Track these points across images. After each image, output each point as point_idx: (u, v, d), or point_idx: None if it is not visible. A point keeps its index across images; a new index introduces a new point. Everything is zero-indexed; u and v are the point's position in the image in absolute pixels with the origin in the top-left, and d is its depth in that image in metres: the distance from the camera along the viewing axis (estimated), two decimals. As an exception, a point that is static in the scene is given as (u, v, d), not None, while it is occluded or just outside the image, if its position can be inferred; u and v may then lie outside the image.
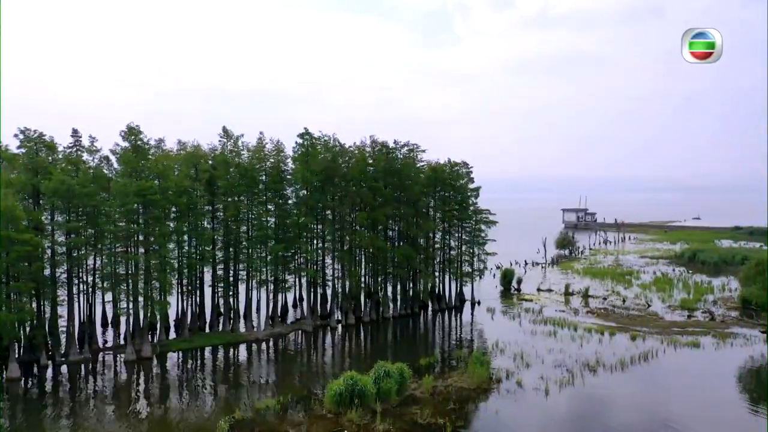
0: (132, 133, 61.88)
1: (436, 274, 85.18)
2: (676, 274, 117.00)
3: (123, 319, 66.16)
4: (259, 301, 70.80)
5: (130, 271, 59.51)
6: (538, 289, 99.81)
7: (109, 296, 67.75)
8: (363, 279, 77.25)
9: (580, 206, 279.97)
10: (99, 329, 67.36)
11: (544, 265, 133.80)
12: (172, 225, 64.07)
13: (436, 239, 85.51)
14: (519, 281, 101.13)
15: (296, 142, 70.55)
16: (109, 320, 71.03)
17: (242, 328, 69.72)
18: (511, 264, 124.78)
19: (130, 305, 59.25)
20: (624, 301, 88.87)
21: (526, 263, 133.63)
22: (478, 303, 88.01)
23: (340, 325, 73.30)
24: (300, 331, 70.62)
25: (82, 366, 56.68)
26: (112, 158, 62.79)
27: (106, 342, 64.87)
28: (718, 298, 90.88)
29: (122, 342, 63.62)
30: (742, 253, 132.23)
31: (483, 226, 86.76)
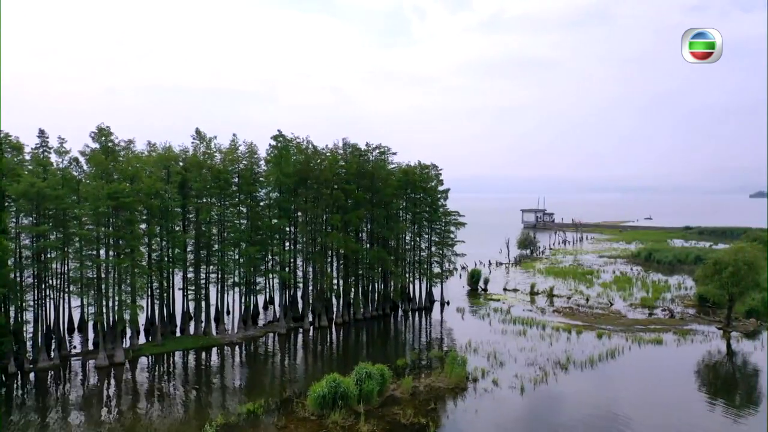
0: (102, 134, 60.68)
1: (408, 275, 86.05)
2: (634, 273, 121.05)
3: (91, 324, 64.99)
4: (230, 304, 70.41)
5: (102, 275, 58.36)
6: (505, 289, 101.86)
7: (77, 301, 66.55)
8: (335, 281, 77.50)
9: (538, 207, 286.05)
10: (66, 335, 65.69)
11: (507, 265, 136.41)
12: (143, 227, 63.09)
13: (406, 240, 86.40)
14: (486, 281, 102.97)
15: (270, 144, 70.40)
16: (76, 325, 69.48)
17: (214, 331, 69.12)
18: (476, 264, 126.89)
19: (102, 310, 57.98)
20: (587, 300, 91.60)
21: (490, 263, 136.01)
22: (448, 303, 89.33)
23: (312, 327, 73.35)
24: (273, 334, 70.41)
25: (52, 373, 55.31)
26: (82, 160, 61.48)
27: (74, 347, 63.38)
28: (676, 296, 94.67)
29: (91, 347, 62.36)
30: (694, 252, 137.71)
31: (453, 228, 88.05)
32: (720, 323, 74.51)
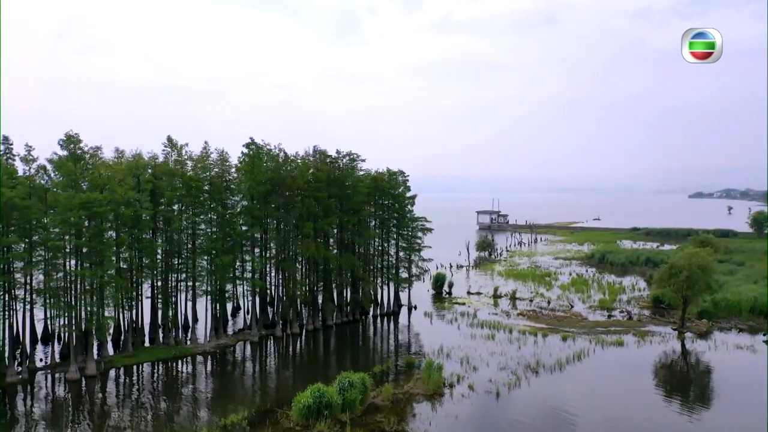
0: (71, 141, 59.44)
1: (376, 281, 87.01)
2: (589, 275, 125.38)
3: (62, 336, 63.42)
4: (201, 312, 69.77)
5: (72, 286, 57.15)
6: (468, 293, 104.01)
7: (42, 311, 64.77)
8: (307, 287, 77.77)
9: (493, 209, 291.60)
10: (29, 347, 63.85)
11: (467, 268, 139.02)
12: (114, 235, 62.00)
13: (375, 246, 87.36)
14: (450, 285, 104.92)
15: (242, 152, 70.20)
16: (39, 336, 67.64)
17: (186, 340, 68.48)
18: (437, 267, 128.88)
19: (74, 321, 56.77)
20: (549, 302, 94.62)
21: (451, 266, 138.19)
22: (415, 308, 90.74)
23: (285, 335, 73.47)
24: (246, 342, 70.22)
25: (20, 388, 53.82)
26: (49, 167, 59.96)
27: (41, 360, 61.69)
28: (631, 298, 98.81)
29: (58, 359, 60.83)
30: (645, 254, 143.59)
31: (420, 234, 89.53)
32: (674, 324, 78.35)
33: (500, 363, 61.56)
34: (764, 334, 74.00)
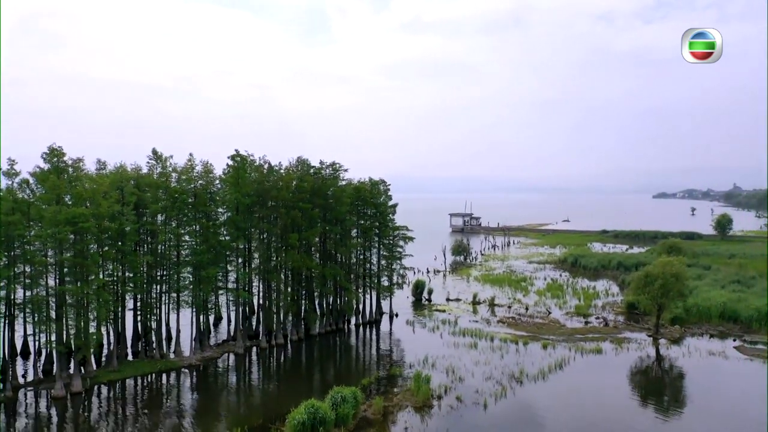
0: (54, 154, 58.81)
1: (359, 289, 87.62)
2: (564, 280, 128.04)
3: (42, 351, 62.44)
4: (182, 323, 69.46)
5: (59, 302, 56.43)
6: (448, 299, 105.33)
7: (25, 327, 63.85)
8: (292, 297, 77.98)
9: (465, 211, 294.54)
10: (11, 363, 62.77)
11: (444, 273, 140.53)
12: (98, 249, 61.35)
13: (357, 255, 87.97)
14: (430, 292, 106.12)
15: (227, 164, 70.17)
16: (19, 351, 66.54)
17: (171, 353, 68.14)
18: (414, 272, 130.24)
19: (62, 338, 56.09)
20: (527, 309, 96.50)
21: (428, 271, 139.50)
22: (396, 315, 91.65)
23: (269, 345, 73.60)
24: (231, 354, 70.18)
25: (3, 406, 52.96)
26: (32, 181, 59.12)
27: (23, 376, 60.73)
28: (606, 303, 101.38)
29: (42, 376, 59.98)
30: (616, 258, 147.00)
31: (401, 242, 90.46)
32: (649, 330, 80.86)
33: (485, 373, 62.82)
34: (734, 339, 76.94)
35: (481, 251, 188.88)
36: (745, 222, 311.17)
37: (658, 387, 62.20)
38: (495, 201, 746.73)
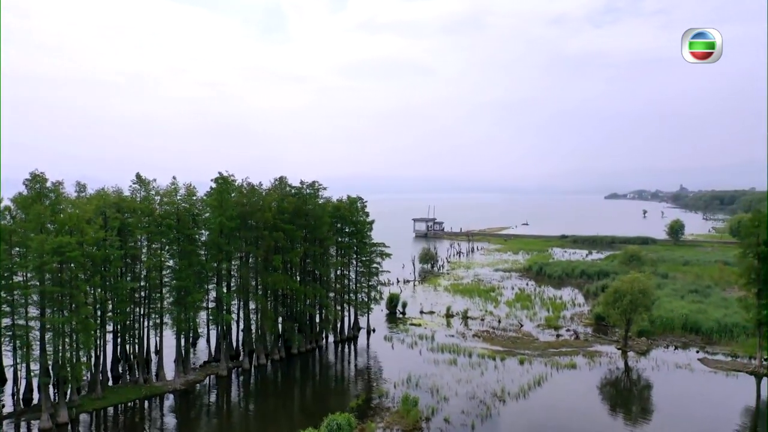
0: (37, 180, 58.04)
1: (338, 306, 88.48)
2: (531, 289, 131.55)
3: (19, 378, 61.30)
4: (158, 343, 69.06)
5: (43, 332, 55.58)
6: (421, 312, 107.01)
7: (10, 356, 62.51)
8: (274, 317, 78.31)
9: (428, 216, 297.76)
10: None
11: (414, 283, 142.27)
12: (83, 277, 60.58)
13: (336, 272, 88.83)
14: (404, 305, 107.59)
15: (211, 187, 70.16)
16: (-5, 379, 65.09)
17: (153, 377, 67.67)
18: (386, 282, 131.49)
19: (48, 370, 55.27)
20: (499, 321, 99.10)
21: (398, 281, 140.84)
22: (374, 331, 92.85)
23: (252, 366, 73.83)
24: (214, 376, 70.17)
25: (-12, 439, 52.13)
26: (13, 207, 58.08)
27: (3, 405, 59.45)
28: (574, 314, 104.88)
29: (23, 406, 58.93)
30: (579, 266, 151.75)
31: (378, 258, 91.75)
32: (618, 343, 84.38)
33: (468, 392, 64.69)
34: (697, 351, 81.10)
35: (447, 258, 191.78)
36: (693, 224, 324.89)
37: (628, 400, 65.40)
38: (454, 202, 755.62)
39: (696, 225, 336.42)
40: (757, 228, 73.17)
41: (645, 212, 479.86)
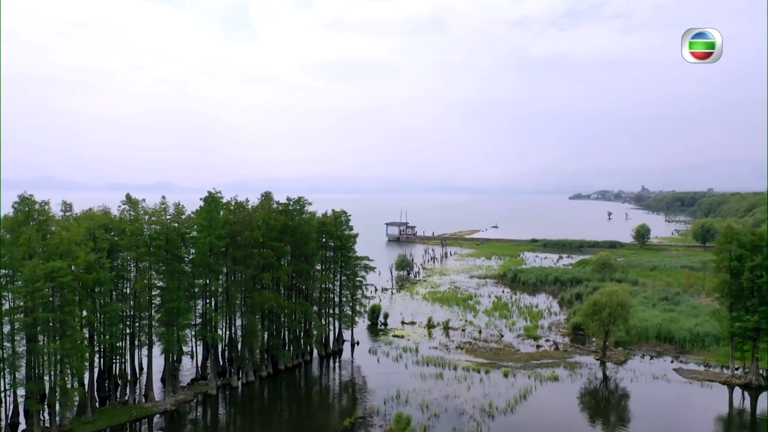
0: (26, 203, 57.35)
1: (323, 320, 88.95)
2: (507, 297, 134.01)
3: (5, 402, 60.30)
4: (142, 361, 68.69)
5: (33, 358, 54.96)
6: (403, 322, 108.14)
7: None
8: (264, 333, 78.48)
9: (401, 220, 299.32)
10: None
11: (392, 291, 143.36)
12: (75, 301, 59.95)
13: (321, 286, 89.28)
14: (386, 316, 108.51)
15: (200, 206, 70.05)
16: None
17: (142, 398, 67.25)
18: (369, 297, 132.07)
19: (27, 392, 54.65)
20: (480, 332, 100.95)
21: (376, 289, 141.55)
22: (357, 344, 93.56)
23: (241, 384, 73.93)
24: (203, 396, 70.06)
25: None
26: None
27: (-9, 432, 58.59)
28: (552, 324, 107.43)
29: (10, 431, 58.08)
30: (552, 273, 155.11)
31: (362, 272, 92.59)
32: (597, 354, 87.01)
33: (458, 408, 66.07)
34: (672, 361, 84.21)
35: (422, 264, 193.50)
36: (657, 226, 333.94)
37: (607, 412, 67.83)
38: (421, 203, 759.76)
39: (659, 227, 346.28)
40: (730, 244, 76.41)
41: (610, 214, 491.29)
